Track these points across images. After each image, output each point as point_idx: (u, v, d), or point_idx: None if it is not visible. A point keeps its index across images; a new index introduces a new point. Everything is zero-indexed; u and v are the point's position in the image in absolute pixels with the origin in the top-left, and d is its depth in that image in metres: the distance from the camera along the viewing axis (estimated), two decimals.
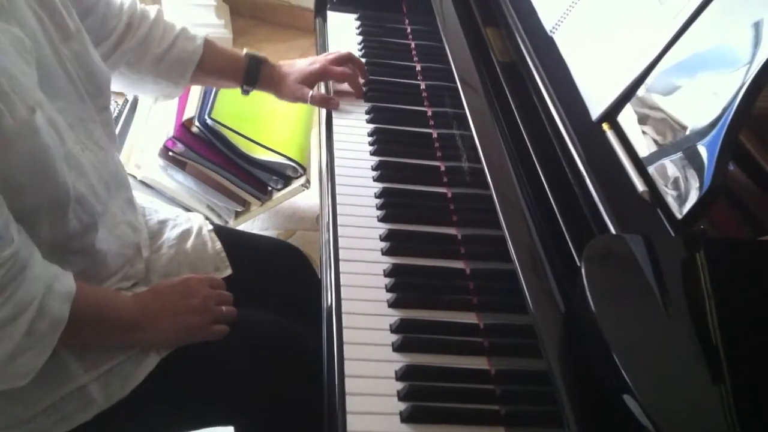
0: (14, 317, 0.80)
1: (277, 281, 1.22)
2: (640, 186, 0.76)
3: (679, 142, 0.76)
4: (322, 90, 1.34)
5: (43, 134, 0.81)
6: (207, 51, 1.23)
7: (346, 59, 1.32)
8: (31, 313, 0.81)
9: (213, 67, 1.25)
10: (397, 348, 0.90)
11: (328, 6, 1.58)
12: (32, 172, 0.81)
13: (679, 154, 0.75)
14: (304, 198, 2.11)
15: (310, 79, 1.29)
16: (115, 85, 1.14)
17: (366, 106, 1.31)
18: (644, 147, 0.80)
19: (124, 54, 1.14)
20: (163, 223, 1.17)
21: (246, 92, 1.29)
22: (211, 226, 1.20)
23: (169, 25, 1.21)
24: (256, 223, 2.15)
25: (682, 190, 0.73)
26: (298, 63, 1.31)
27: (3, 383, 0.85)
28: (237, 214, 1.93)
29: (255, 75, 1.27)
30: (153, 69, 1.19)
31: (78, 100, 0.95)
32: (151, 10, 1.19)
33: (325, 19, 1.55)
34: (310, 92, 1.27)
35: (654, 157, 0.78)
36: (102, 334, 0.94)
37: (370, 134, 1.24)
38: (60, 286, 0.85)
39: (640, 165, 0.79)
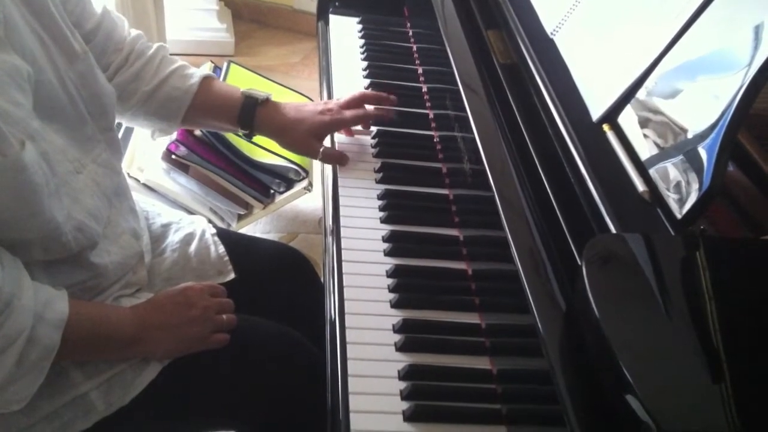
0: (2, 349, 0.79)
1: (280, 285, 1.22)
2: (640, 186, 0.77)
3: (678, 142, 0.77)
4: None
5: (31, 172, 0.79)
6: (202, 92, 1.16)
7: (358, 100, 1.22)
8: (21, 343, 0.80)
9: (207, 108, 1.18)
10: (400, 348, 0.90)
11: (331, 9, 1.59)
12: (16, 209, 0.80)
13: (679, 155, 0.75)
14: (307, 201, 2.12)
15: (322, 131, 1.19)
16: None
17: (368, 108, 1.31)
18: (644, 148, 0.80)
19: (115, 88, 1.08)
20: (166, 227, 1.18)
21: (246, 137, 1.20)
22: (214, 230, 1.20)
23: (166, 62, 1.16)
24: (258, 226, 2.16)
25: (681, 189, 0.73)
26: (306, 110, 1.20)
27: None
28: (240, 217, 1.93)
29: (250, 118, 1.17)
30: (142, 107, 1.14)
31: (78, 122, 0.94)
32: (152, 47, 1.15)
33: (327, 23, 1.56)
34: (321, 148, 1.18)
35: (654, 158, 0.79)
36: (99, 350, 0.94)
37: (373, 137, 1.25)
38: (51, 314, 0.84)
39: (640, 165, 0.79)
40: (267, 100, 1.19)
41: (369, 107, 1.24)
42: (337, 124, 1.20)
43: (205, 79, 1.18)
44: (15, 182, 0.78)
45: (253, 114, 1.18)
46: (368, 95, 1.25)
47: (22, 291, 0.82)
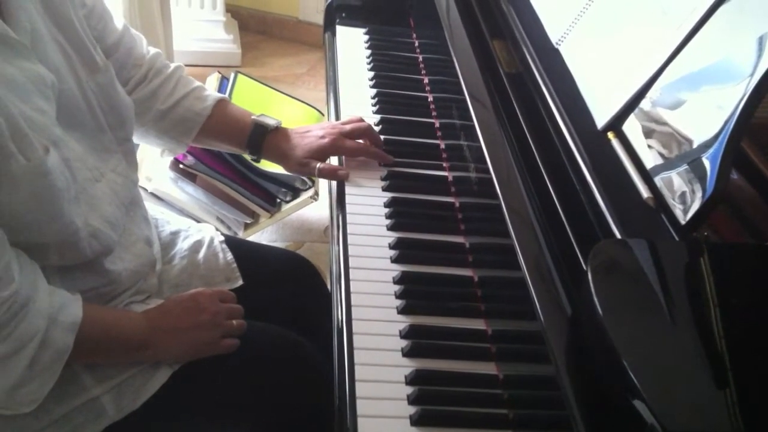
0: (16, 351, 0.81)
1: (287, 292, 1.23)
2: (644, 192, 0.77)
3: (682, 150, 0.77)
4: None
5: (53, 177, 0.81)
6: (215, 114, 1.18)
7: (362, 132, 1.22)
8: (34, 346, 0.82)
9: (218, 131, 1.20)
10: (407, 353, 0.91)
11: (338, 21, 1.60)
12: (37, 213, 0.82)
13: (683, 162, 0.76)
14: (312, 210, 2.12)
15: (319, 154, 1.19)
16: None
17: (375, 118, 1.33)
18: (648, 155, 0.81)
19: None
20: (175, 234, 1.19)
21: (254, 161, 1.19)
22: (222, 237, 1.21)
23: (183, 82, 1.17)
24: (264, 235, 2.17)
25: (685, 196, 0.74)
26: (309, 135, 1.21)
27: (9, 410, 0.86)
28: (246, 226, 1.94)
29: (258, 144, 1.19)
30: (155, 124, 1.16)
31: (98, 131, 0.97)
32: (171, 66, 1.17)
33: (334, 34, 1.58)
34: (318, 165, 1.18)
35: (658, 165, 0.79)
36: (111, 354, 0.95)
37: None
38: (64, 317, 0.85)
39: (644, 172, 0.80)
40: (277, 128, 1.20)
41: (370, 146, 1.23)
42: (335, 149, 1.20)
43: (219, 102, 1.19)
44: (38, 186, 0.80)
45: (262, 141, 1.19)
46: (371, 134, 1.23)
47: (37, 294, 0.83)
